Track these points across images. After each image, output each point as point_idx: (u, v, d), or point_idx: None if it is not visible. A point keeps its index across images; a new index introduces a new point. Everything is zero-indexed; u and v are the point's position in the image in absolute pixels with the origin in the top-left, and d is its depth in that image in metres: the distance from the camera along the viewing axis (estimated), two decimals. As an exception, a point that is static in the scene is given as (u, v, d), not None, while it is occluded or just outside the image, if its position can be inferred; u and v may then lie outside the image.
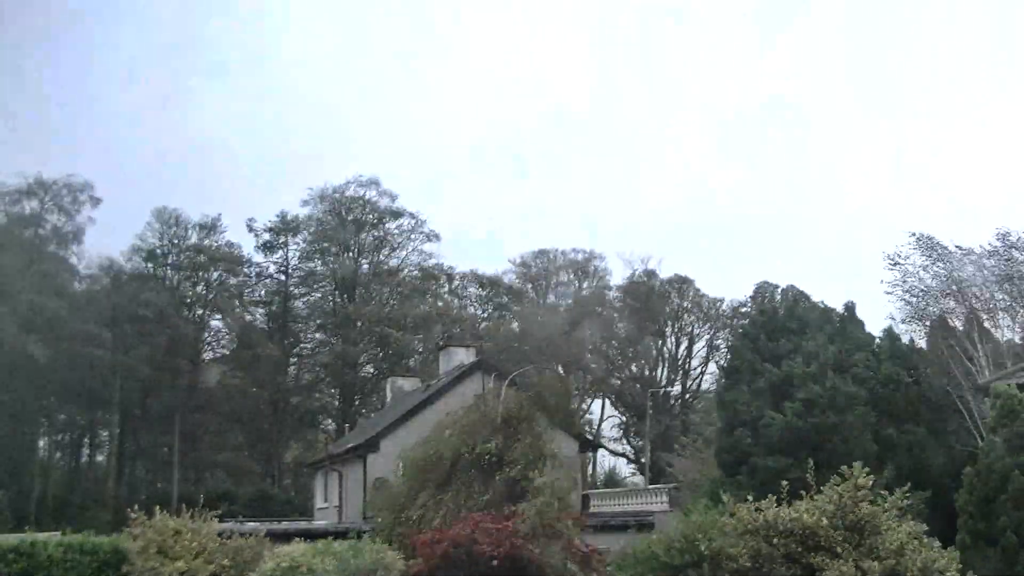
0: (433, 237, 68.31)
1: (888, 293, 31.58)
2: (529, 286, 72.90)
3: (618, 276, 72.52)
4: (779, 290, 64.73)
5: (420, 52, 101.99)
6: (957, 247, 30.65)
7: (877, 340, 27.98)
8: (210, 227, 63.68)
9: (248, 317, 65.93)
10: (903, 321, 31.64)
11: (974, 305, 29.79)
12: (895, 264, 31.29)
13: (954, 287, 30.26)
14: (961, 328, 30.12)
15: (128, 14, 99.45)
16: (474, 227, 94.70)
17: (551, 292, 73.90)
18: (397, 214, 67.65)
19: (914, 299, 31.46)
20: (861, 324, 28.67)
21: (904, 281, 31.25)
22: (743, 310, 66.41)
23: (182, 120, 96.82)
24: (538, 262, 73.69)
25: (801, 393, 24.86)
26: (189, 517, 16.22)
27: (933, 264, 30.73)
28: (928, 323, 31.66)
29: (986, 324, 29.63)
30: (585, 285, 73.79)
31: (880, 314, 34.42)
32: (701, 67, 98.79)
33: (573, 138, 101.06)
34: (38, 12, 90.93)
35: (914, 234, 31.00)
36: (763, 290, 65.89)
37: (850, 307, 28.98)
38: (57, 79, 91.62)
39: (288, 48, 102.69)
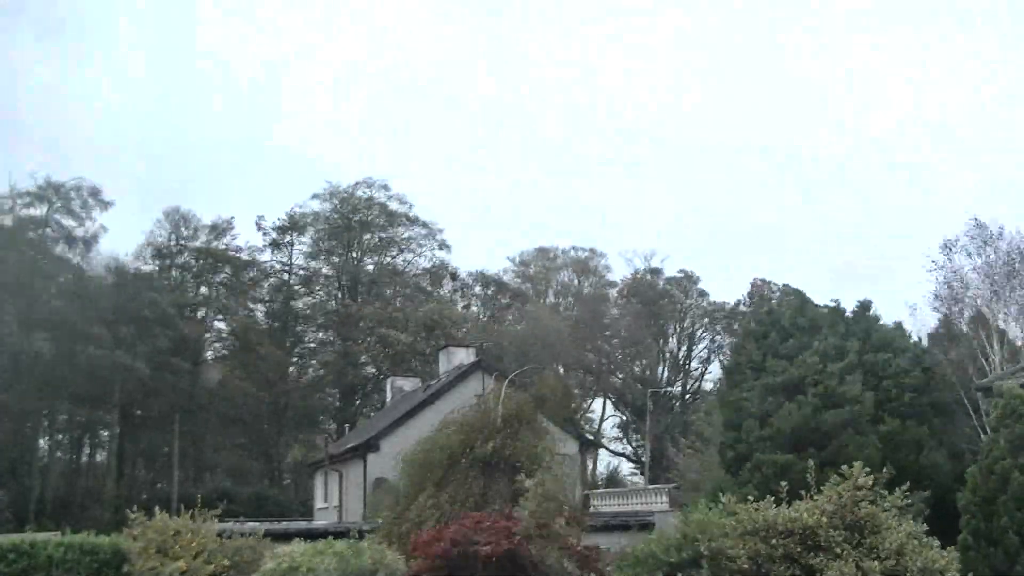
0: (445, 247, 68.47)
1: (939, 280, 31.49)
2: (528, 285, 72.76)
3: (620, 274, 72.56)
4: (774, 288, 64.99)
5: (421, 48, 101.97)
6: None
7: (887, 333, 27.80)
8: (221, 228, 63.85)
9: (249, 316, 65.97)
10: (936, 310, 31.62)
11: (984, 307, 29.73)
12: (948, 248, 31.25)
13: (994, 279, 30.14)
14: (967, 329, 30.06)
15: (132, 16, 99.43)
16: (474, 224, 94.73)
17: (551, 291, 73.82)
18: (411, 221, 67.74)
19: (951, 289, 31.35)
20: (877, 322, 28.41)
21: (951, 270, 31.17)
22: (740, 308, 66.52)
23: (187, 119, 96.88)
24: (538, 260, 73.59)
25: (814, 390, 24.74)
26: (189, 517, 16.20)
27: (984, 251, 30.61)
28: (940, 317, 31.59)
29: (999, 323, 29.50)
30: (587, 283, 73.70)
31: (885, 315, 34.49)
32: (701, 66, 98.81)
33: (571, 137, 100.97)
34: (43, 13, 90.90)
35: (974, 218, 31.13)
36: (759, 288, 65.99)
37: (865, 305, 28.73)
38: (65, 81, 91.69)
39: (288, 47, 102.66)
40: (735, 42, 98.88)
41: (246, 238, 65.85)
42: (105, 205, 55.87)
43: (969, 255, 30.76)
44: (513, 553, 14.55)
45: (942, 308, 31.49)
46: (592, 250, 73.03)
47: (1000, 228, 30.59)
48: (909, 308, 32.74)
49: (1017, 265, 29.81)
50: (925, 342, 30.34)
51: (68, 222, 55.66)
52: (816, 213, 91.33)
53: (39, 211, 55.29)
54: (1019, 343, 29.11)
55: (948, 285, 31.28)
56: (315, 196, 66.56)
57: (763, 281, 66.63)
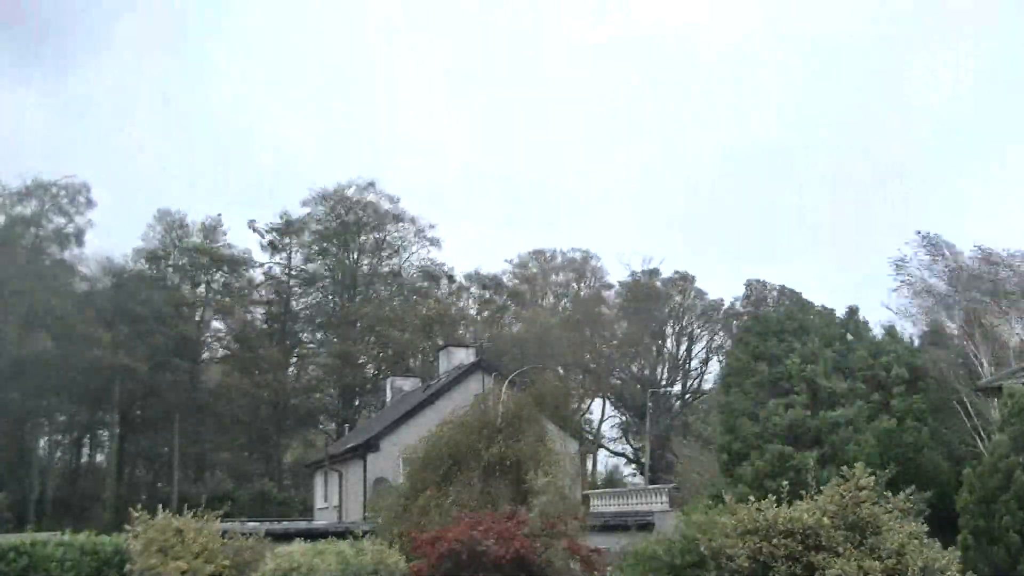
0: (436, 243, 68.47)
1: (894, 290, 31.73)
2: (526, 287, 72.84)
3: (617, 275, 72.67)
4: (769, 288, 65.10)
5: (418, 47, 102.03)
6: (978, 247, 30.52)
7: (878, 338, 27.94)
8: (212, 228, 63.73)
9: (248, 317, 65.97)
10: (909, 318, 31.77)
11: (974, 308, 29.70)
12: (899, 267, 31.44)
13: (958, 286, 30.25)
14: (958, 329, 30.08)
15: (124, 14, 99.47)
16: (474, 225, 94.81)
17: (548, 292, 73.93)
18: (399, 218, 67.72)
19: (919, 299, 31.52)
20: (866, 326, 28.52)
21: (910, 284, 31.36)
22: (735, 309, 66.62)
23: (186, 119, 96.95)
24: (535, 262, 73.72)
25: (801, 390, 24.89)
26: (192, 517, 16.20)
27: (935, 263, 30.84)
28: (928, 321, 31.68)
29: (987, 322, 29.50)
30: (583, 285, 73.84)
31: (880, 316, 34.48)
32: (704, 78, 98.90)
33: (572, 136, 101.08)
34: (39, 12, 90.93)
35: (919, 232, 31.21)
36: (754, 288, 66.06)
37: (854, 310, 28.90)
38: (57, 80, 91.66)
39: (287, 47, 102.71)
40: (734, 42, 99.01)
41: (239, 239, 65.91)
42: (92, 205, 56.02)
43: (928, 267, 30.99)
44: (518, 554, 14.56)
45: (928, 314, 31.60)
46: (587, 252, 73.33)
47: (945, 241, 30.91)
48: (884, 308, 32.87)
49: (982, 275, 29.96)
50: (916, 343, 30.45)
51: (59, 221, 55.67)
52: (814, 212, 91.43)
53: (28, 210, 55.31)
54: (1012, 345, 29.13)
55: (915, 294, 31.48)
56: (305, 203, 66.70)
57: (758, 282, 66.73)
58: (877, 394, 25.41)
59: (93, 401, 55.57)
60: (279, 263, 67.17)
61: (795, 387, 25.32)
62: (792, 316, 28.26)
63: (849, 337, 27.51)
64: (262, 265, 66.87)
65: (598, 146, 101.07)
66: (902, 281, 31.53)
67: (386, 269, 68.40)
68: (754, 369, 26.58)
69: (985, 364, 27.71)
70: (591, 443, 50.60)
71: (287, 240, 66.75)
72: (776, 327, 27.66)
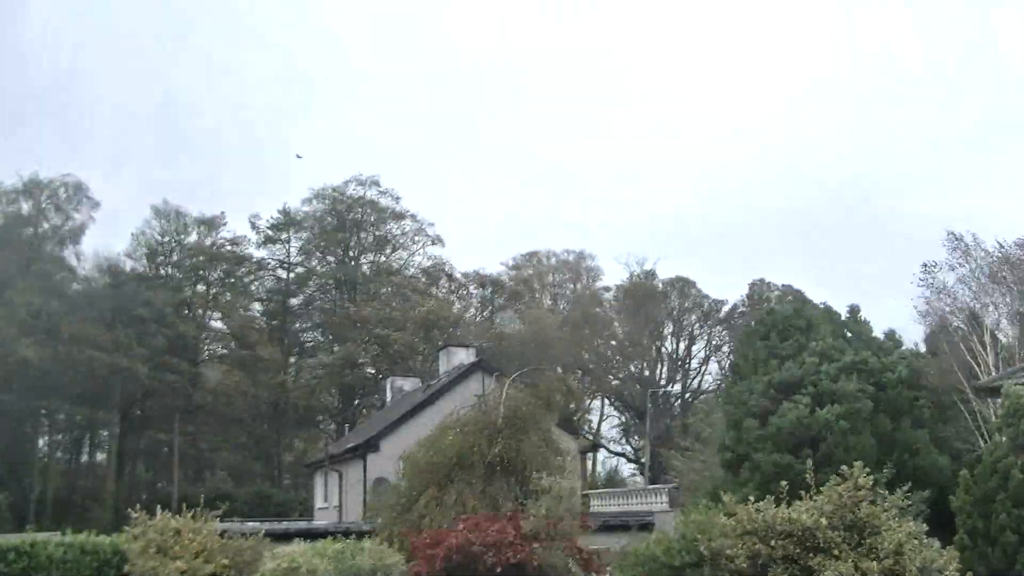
0: (438, 241, 68.40)
1: (922, 297, 31.16)
2: (523, 287, 72.77)
3: (614, 276, 72.63)
4: (773, 288, 65.04)
5: (416, 46, 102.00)
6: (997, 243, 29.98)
7: (881, 339, 27.91)
8: (210, 224, 63.66)
9: (248, 315, 65.93)
10: (925, 318, 31.36)
11: (978, 309, 29.49)
12: (927, 271, 30.90)
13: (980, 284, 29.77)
14: (964, 328, 29.93)
15: (125, 10, 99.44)
16: (470, 225, 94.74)
17: (544, 292, 73.87)
18: (400, 216, 67.59)
19: (938, 302, 31.07)
20: (868, 325, 28.59)
21: (933, 287, 30.87)
22: (740, 310, 66.56)
23: (183, 118, 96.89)
24: (530, 263, 73.68)
25: (809, 390, 24.82)
26: (191, 517, 16.18)
27: (961, 267, 30.31)
28: (934, 321, 31.44)
29: (991, 323, 29.32)
30: (578, 286, 73.81)
31: (879, 316, 34.20)
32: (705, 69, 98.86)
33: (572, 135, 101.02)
34: (35, 10, 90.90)
35: (950, 232, 30.55)
36: (758, 288, 65.97)
37: (855, 309, 28.94)
38: (54, 77, 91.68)
39: (287, 44, 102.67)
40: (731, 43, 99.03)
41: (240, 234, 65.84)
42: (93, 204, 56.09)
43: (952, 268, 30.54)
44: (516, 555, 14.54)
45: (930, 319, 31.36)
46: (582, 253, 73.35)
47: (974, 236, 30.43)
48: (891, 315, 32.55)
49: (1004, 274, 29.72)
50: (921, 346, 30.38)
51: (57, 219, 55.72)
52: (813, 213, 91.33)
53: (24, 210, 55.36)
54: (1010, 342, 29.01)
55: (937, 298, 31.11)
56: (305, 201, 66.62)
57: (761, 282, 66.65)
58: (880, 394, 25.37)
59: (93, 401, 55.63)
60: (276, 259, 67.19)
61: (804, 387, 25.21)
62: (800, 313, 28.19)
63: (850, 335, 27.49)
64: (260, 262, 66.90)
65: (597, 144, 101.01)
66: (927, 285, 30.98)
67: (385, 268, 68.27)
68: (765, 366, 26.50)
69: (991, 363, 27.57)
70: (591, 443, 50.60)
71: (284, 235, 66.70)
72: (784, 324, 27.60)
